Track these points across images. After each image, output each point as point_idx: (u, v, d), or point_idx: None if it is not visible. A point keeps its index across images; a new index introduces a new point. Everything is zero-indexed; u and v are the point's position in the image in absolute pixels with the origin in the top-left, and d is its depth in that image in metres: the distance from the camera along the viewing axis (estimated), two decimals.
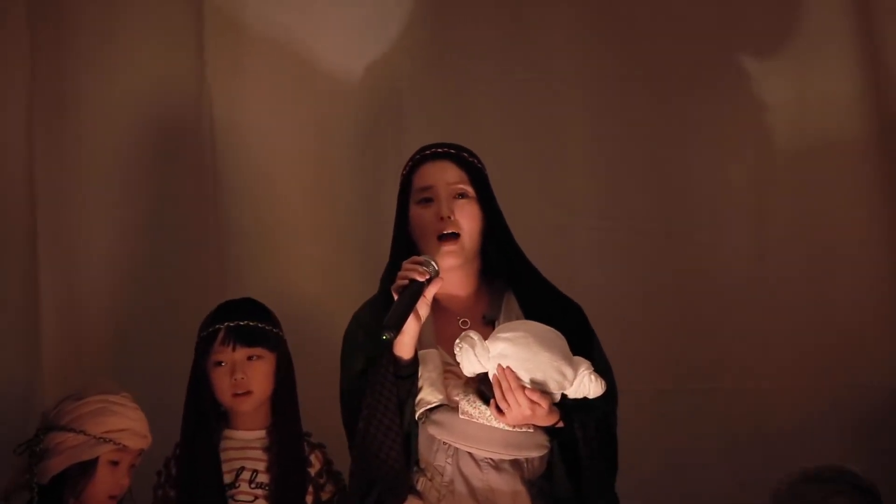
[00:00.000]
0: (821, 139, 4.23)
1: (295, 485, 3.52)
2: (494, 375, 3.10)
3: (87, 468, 3.45)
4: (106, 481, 3.47)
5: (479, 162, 3.34)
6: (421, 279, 3.10)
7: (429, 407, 3.16)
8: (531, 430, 3.16)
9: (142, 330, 4.12)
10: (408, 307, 3.08)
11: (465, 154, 3.31)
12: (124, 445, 3.47)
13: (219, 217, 4.17)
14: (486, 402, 3.13)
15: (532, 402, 3.07)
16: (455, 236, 3.24)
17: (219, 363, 3.55)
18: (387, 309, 3.09)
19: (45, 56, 4.11)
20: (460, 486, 3.19)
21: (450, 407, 3.17)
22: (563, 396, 3.14)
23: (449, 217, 3.24)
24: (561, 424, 3.15)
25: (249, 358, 3.54)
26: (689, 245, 4.23)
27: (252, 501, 3.52)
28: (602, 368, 3.21)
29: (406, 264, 3.14)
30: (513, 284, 3.33)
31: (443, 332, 3.24)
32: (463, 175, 3.28)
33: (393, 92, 4.22)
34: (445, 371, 3.20)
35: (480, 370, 3.13)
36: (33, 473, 3.43)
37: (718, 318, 4.21)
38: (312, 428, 3.62)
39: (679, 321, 4.21)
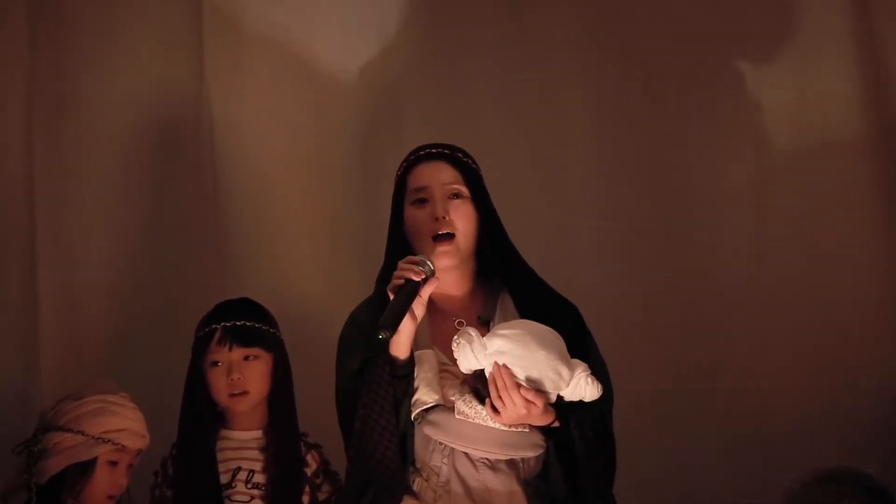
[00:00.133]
0: (820, 139, 4.22)
1: (291, 485, 3.52)
2: (490, 374, 3.10)
3: (85, 468, 3.45)
4: (104, 481, 3.47)
5: (474, 162, 3.33)
6: (417, 279, 3.10)
7: (425, 407, 3.16)
8: (527, 430, 3.16)
9: (140, 330, 4.13)
10: (404, 307, 3.08)
11: (460, 154, 3.31)
12: (123, 445, 3.47)
13: (218, 217, 4.17)
14: (482, 401, 3.13)
15: (527, 400, 3.06)
16: (450, 237, 3.24)
17: (215, 363, 3.55)
18: (383, 309, 3.09)
19: (44, 56, 4.11)
20: (456, 487, 3.19)
21: (446, 407, 3.17)
22: (560, 398, 3.14)
23: (444, 217, 3.24)
24: (557, 424, 3.15)
25: (246, 358, 3.55)
26: (688, 245, 4.23)
27: (248, 501, 3.52)
28: (598, 368, 3.21)
29: (402, 264, 3.14)
30: (508, 284, 3.32)
31: (438, 332, 3.24)
32: (457, 175, 3.27)
33: (392, 92, 4.23)
34: (441, 371, 3.20)
35: (477, 367, 3.13)
36: (31, 473, 3.43)
37: (718, 318, 4.21)
38: (309, 428, 3.62)
39: (679, 321, 4.20)
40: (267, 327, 3.58)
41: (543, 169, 4.23)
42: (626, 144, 4.25)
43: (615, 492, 3.26)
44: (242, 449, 3.57)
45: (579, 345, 3.22)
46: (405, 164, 3.32)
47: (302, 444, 3.59)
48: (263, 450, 3.56)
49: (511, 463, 3.20)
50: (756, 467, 4.09)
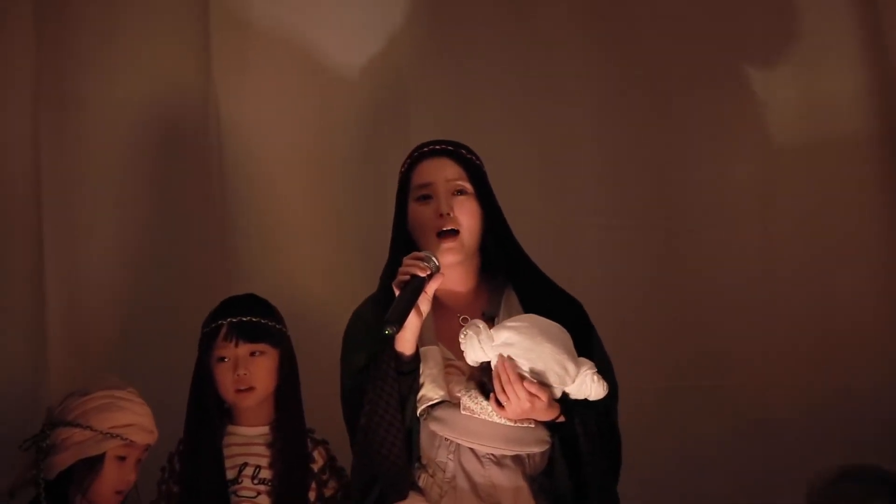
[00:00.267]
0: (826, 138, 4.22)
1: (298, 481, 3.52)
2: (495, 367, 3.10)
3: (94, 464, 3.45)
4: (113, 477, 3.47)
5: (478, 158, 3.34)
6: (422, 274, 3.11)
7: (430, 403, 3.16)
8: (532, 426, 3.16)
9: (146, 327, 4.12)
10: (409, 302, 3.09)
11: (464, 151, 3.31)
12: (131, 441, 3.47)
13: (223, 215, 4.17)
14: (487, 397, 3.14)
15: (531, 394, 3.07)
16: (454, 233, 3.24)
17: (222, 359, 3.55)
18: (387, 305, 3.10)
19: (50, 55, 4.11)
20: (462, 482, 3.19)
21: (451, 403, 3.18)
22: (565, 394, 3.14)
23: (448, 214, 3.24)
24: (562, 419, 3.15)
25: (252, 354, 3.55)
26: (693, 244, 4.23)
27: (255, 497, 3.52)
28: (603, 364, 3.22)
29: (407, 260, 3.14)
30: (512, 280, 3.33)
31: (443, 328, 3.25)
32: (461, 171, 3.28)
33: (397, 89, 4.22)
34: (446, 367, 3.21)
35: (484, 359, 3.13)
36: (40, 469, 3.43)
37: (722, 316, 4.21)
38: (316, 424, 3.62)
39: (682, 319, 4.20)
40: (273, 323, 3.58)
41: (548, 166, 4.23)
42: (631, 143, 4.25)
43: (618, 489, 3.26)
44: (249, 445, 3.57)
45: (584, 341, 3.22)
46: (409, 160, 3.33)
47: (308, 440, 3.58)
48: (270, 445, 3.56)
49: (517, 459, 3.20)
50: (760, 465, 4.09)
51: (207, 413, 3.55)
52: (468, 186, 3.28)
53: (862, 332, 4.17)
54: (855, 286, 4.17)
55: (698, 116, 4.24)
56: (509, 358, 3.09)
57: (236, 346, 3.54)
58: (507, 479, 3.19)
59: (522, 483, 3.21)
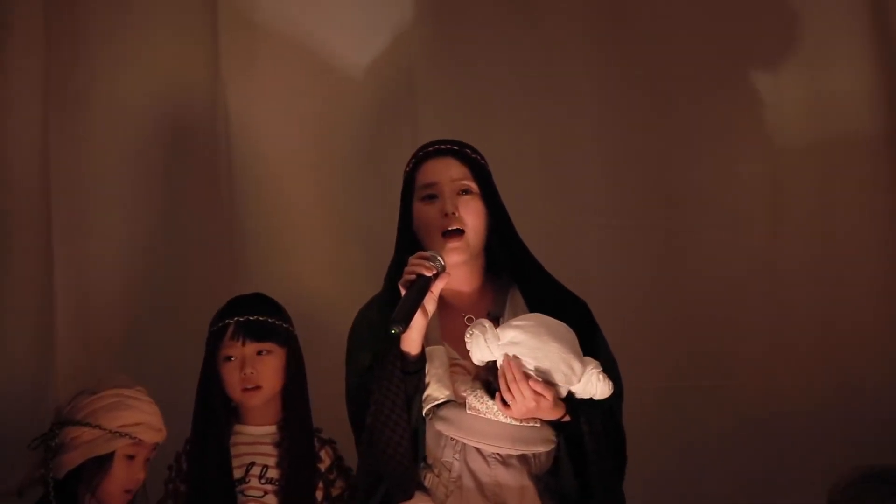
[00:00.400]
0: (832, 138, 4.22)
1: (305, 480, 3.53)
2: (500, 366, 3.10)
3: (102, 463, 3.46)
4: (122, 475, 3.48)
5: (482, 158, 3.33)
6: (428, 274, 3.11)
7: (436, 403, 3.16)
8: (538, 425, 3.16)
9: (154, 327, 4.14)
10: (415, 302, 3.08)
11: (468, 150, 3.31)
12: (140, 439, 3.48)
13: (231, 214, 4.18)
14: (493, 396, 3.13)
15: (536, 393, 3.06)
16: (459, 232, 3.24)
17: (229, 358, 3.56)
18: (393, 305, 3.09)
19: (59, 54, 4.12)
20: (468, 482, 3.19)
21: (457, 403, 3.17)
22: (570, 393, 3.14)
23: (453, 213, 3.24)
24: (567, 418, 3.15)
25: (259, 353, 3.56)
26: (698, 243, 4.23)
27: (261, 496, 3.53)
28: (608, 364, 3.22)
29: (413, 259, 3.14)
30: (518, 281, 3.32)
31: (449, 328, 3.25)
32: (466, 171, 3.28)
33: (403, 88, 4.23)
34: (452, 367, 3.20)
35: (490, 358, 3.13)
36: (48, 468, 3.43)
37: (727, 315, 4.21)
38: (323, 424, 3.62)
39: (687, 319, 4.21)
40: (280, 322, 3.59)
41: (553, 166, 4.24)
42: (636, 142, 4.25)
43: (623, 488, 3.26)
44: (256, 444, 3.58)
45: (589, 340, 3.22)
46: (414, 160, 3.32)
47: (316, 439, 3.59)
48: (277, 445, 3.57)
49: (522, 458, 3.20)
50: (760, 464, 4.09)
51: (214, 412, 3.56)
52: (473, 186, 3.28)
53: (863, 332, 4.17)
54: (858, 286, 4.18)
55: (699, 117, 4.24)
56: (514, 357, 3.09)
57: (243, 345, 3.55)
58: (512, 479, 3.19)
59: (528, 482, 3.21)
